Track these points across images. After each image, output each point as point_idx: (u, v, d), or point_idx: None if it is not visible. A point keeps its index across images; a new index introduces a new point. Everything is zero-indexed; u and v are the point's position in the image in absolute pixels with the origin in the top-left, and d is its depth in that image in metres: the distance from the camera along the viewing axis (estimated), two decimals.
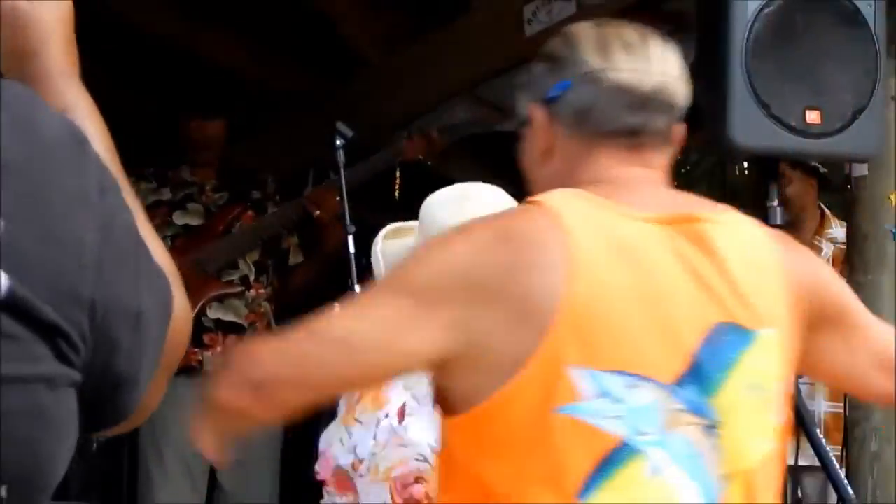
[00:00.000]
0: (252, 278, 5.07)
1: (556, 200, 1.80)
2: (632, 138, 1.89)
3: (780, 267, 1.88)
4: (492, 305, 1.74)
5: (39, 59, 1.22)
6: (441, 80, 5.45)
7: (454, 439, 1.82)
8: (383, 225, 4.78)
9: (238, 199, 5.21)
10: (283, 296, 5.22)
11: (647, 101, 1.88)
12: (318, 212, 4.85)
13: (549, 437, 1.71)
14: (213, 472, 4.95)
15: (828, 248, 4.74)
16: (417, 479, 2.49)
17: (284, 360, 1.74)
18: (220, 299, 4.89)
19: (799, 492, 4.72)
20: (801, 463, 4.30)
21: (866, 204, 4.08)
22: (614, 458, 1.73)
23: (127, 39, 5.69)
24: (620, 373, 1.73)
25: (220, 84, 5.65)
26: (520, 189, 7.06)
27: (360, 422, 2.52)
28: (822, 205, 5.01)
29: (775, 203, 3.71)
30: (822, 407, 4.60)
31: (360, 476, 2.51)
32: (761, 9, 3.53)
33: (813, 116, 3.55)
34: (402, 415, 2.55)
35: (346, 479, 2.53)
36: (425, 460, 2.48)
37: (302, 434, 5.54)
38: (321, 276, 5.07)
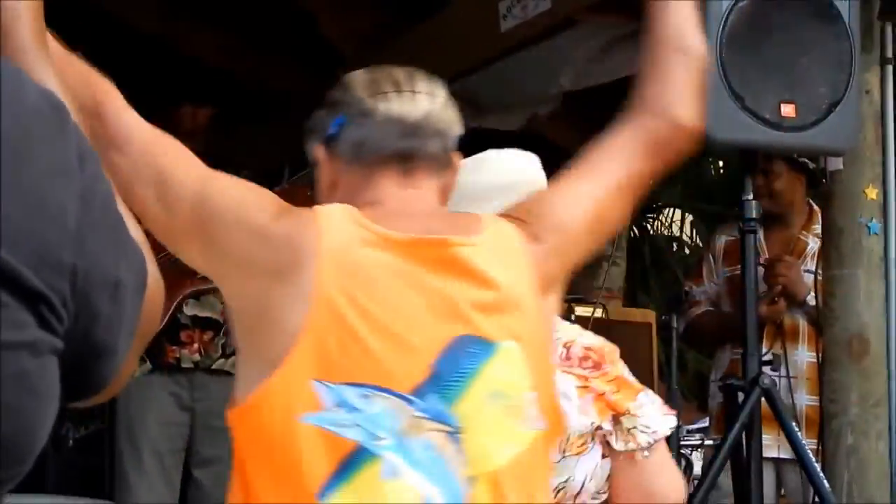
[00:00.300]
0: None
1: (325, 218, 1.97)
2: (405, 163, 2.06)
3: (530, 259, 2.02)
4: (254, 292, 1.94)
5: (11, 37, 1.24)
6: None
7: (232, 428, 2.00)
8: None
9: None
10: None
11: (417, 128, 2.05)
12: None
13: (295, 443, 1.89)
14: (187, 468, 4.95)
15: (813, 244, 4.76)
16: None
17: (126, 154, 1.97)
18: (197, 296, 4.85)
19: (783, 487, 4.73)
20: (782, 456, 4.31)
21: (841, 198, 4.10)
22: (351, 461, 1.89)
23: (112, 35, 5.69)
24: (356, 385, 1.89)
25: (206, 80, 5.64)
26: None
27: None
28: (812, 201, 5.02)
29: (751, 197, 3.74)
30: (804, 400, 4.62)
31: None
32: (736, 2, 3.58)
33: (788, 110, 3.61)
34: None
35: None
36: None
37: None
38: None
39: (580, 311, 5.66)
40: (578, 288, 6.84)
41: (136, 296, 1.15)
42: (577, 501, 2.44)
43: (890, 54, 4.10)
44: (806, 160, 4.68)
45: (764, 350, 4.16)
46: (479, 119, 5.47)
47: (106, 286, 1.10)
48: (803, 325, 4.66)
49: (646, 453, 2.46)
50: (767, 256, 4.61)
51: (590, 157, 2.17)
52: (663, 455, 2.54)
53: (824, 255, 4.22)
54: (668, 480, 2.56)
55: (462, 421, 1.97)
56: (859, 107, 3.83)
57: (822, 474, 3.72)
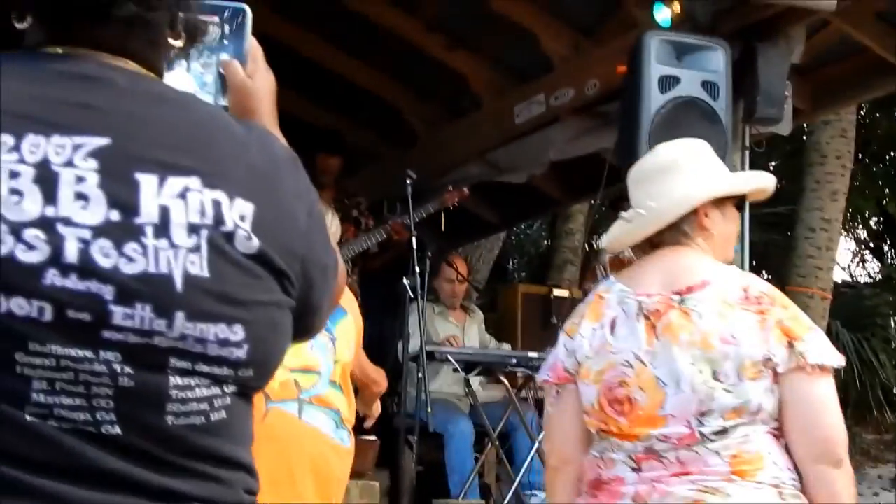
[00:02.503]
0: (350, 267, 5.20)
1: None
2: None
3: None
4: None
5: (256, 115, 1.22)
6: (463, 149, 5.58)
7: None
8: (433, 243, 4.85)
9: (347, 220, 5.18)
10: (365, 274, 5.35)
11: None
12: (395, 234, 4.96)
13: None
14: None
15: None
16: (621, 383, 1.99)
17: None
18: None
19: None
20: None
21: None
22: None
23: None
24: None
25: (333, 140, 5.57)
26: (508, 215, 7.12)
27: (581, 333, 2.09)
28: None
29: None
30: None
31: (577, 376, 2.09)
32: (659, 110, 3.77)
33: None
34: (612, 326, 2.04)
35: (568, 378, 2.11)
36: (629, 366, 1.98)
37: None
38: (391, 262, 5.12)
39: (557, 292, 5.63)
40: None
41: (334, 277, 1.15)
42: (757, 418, 1.90)
43: (748, 144, 4.17)
44: None
45: None
46: (499, 175, 5.61)
47: (320, 269, 1.10)
48: None
49: (810, 370, 1.88)
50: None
51: None
52: (829, 387, 1.91)
53: None
54: (832, 411, 1.91)
55: (335, 334, 2.85)
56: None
57: None
